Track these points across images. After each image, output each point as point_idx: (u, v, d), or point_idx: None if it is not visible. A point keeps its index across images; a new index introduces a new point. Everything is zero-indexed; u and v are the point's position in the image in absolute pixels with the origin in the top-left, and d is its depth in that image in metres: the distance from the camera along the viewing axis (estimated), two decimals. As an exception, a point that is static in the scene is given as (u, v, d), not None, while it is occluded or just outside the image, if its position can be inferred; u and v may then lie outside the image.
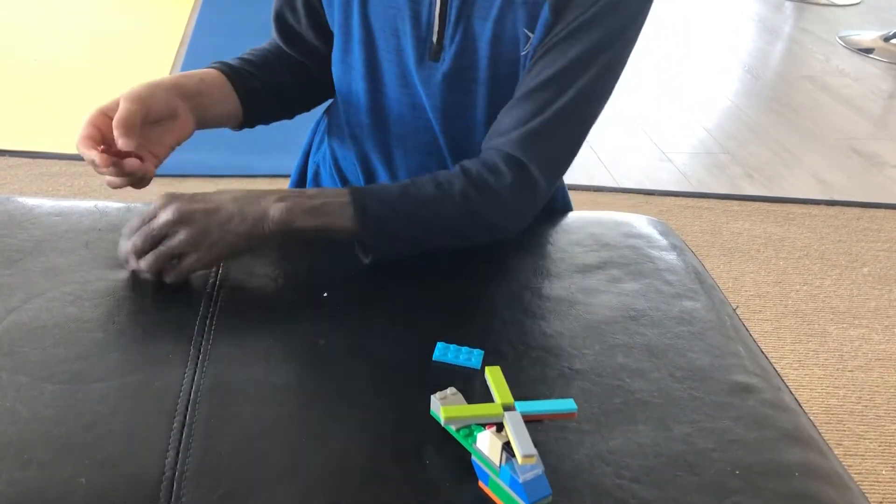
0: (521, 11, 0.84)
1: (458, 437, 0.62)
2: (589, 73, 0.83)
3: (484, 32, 0.86)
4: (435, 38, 0.87)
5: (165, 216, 0.76)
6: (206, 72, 0.92)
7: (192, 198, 0.78)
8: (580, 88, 0.84)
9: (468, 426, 0.62)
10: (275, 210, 0.78)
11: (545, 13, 0.83)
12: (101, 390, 0.66)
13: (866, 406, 1.74)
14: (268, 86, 0.96)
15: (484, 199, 0.83)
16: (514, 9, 0.84)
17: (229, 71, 0.93)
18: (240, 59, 0.97)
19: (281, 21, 0.99)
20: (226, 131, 0.99)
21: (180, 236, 0.76)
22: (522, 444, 0.57)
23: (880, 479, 1.56)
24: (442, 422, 0.62)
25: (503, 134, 0.85)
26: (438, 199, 0.82)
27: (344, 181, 1.05)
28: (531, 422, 0.61)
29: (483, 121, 0.93)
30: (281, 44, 1.00)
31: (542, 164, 0.85)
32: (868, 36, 4.08)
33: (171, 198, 0.77)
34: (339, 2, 0.91)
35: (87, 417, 0.64)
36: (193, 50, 3.07)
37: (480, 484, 0.60)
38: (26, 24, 3.20)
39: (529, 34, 0.85)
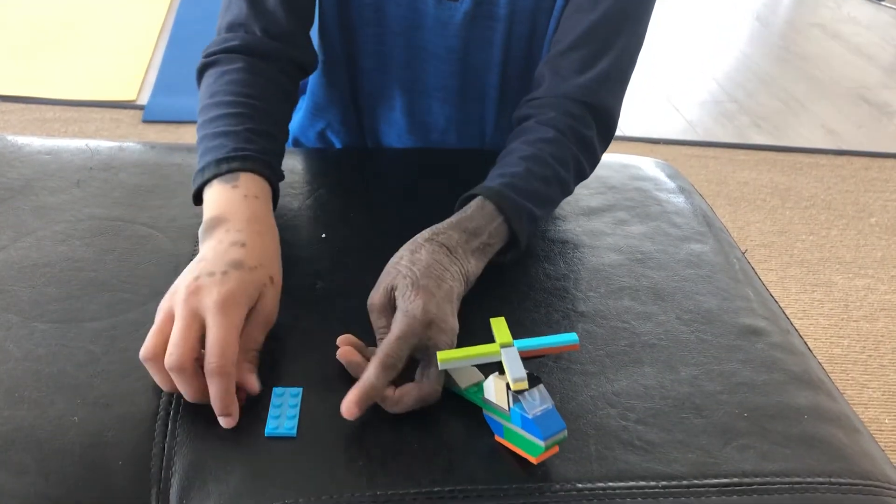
0: None
1: (468, 395, 0.60)
2: (640, 2, 0.83)
3: None
4: None
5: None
6: (262, 188, 0.71)
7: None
8: (636, 18, 0.83)
9: (477, 383, 0.60)
10: (472, 270, 0.68)
11: None
12: (93, 329, 0.65)
13: (870, 355, 1.73)
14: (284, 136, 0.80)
15: (587, 155, 0.81)
16: None
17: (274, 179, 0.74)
18: (265, 137, 0.74)
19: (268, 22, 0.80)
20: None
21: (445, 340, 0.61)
22: (513, 370, 0.55)
23: (883, 428, 1.55)
24: (439, 366, 0.60)
25: (569, 79, 0.80)
26: (557, 174, 0.76)
27: (347, 140, 1.00)
28: (533, 358, 0.59)
29: (499, 60, 0.89)
30: (277, 51, 0.81)
31: (617, 106, 0.83)
32: (881, -17, 3.98)
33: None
34: None
35: (80, 357, 0.62)
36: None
37: (497, 437, 0.59)
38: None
39: None
